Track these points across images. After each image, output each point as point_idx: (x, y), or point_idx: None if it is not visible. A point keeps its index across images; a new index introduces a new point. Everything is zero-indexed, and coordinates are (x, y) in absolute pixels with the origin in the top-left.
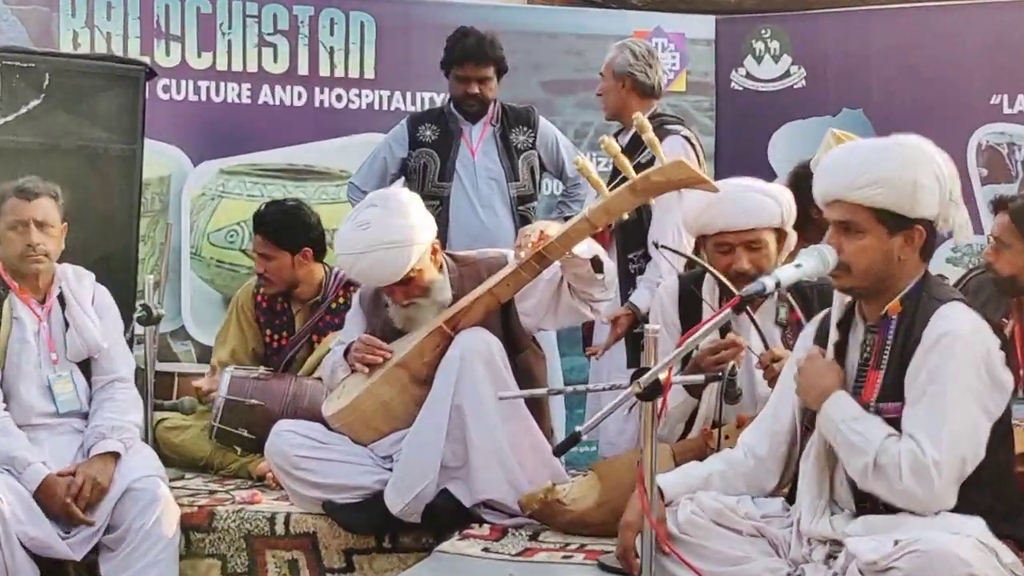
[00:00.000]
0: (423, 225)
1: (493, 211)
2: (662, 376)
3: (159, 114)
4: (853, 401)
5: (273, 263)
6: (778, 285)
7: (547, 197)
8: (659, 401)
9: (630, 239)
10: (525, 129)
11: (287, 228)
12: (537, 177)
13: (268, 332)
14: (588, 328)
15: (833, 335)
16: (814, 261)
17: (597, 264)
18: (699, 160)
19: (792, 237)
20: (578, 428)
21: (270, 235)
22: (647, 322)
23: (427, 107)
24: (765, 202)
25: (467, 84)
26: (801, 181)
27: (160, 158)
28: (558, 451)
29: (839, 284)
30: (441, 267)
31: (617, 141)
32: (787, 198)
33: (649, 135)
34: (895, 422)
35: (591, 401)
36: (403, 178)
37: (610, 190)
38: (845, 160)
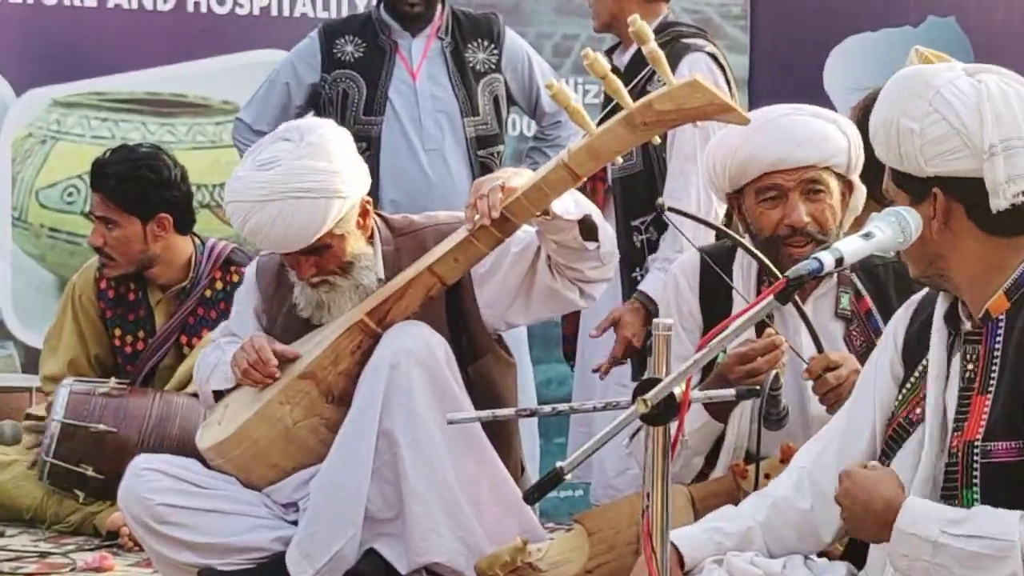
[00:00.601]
0: (353, 174)
1: (442, 157)
2: (677, 391)
3: None
4: (932, 503)
5: (117, 233)
6: (840, 262)
7: (516, 139)
8: (673, 425)
9: (635, 199)
10: (486, 44)
11: (136, 184)
12: (503, 111)
13: (118, 332)
14: (571, 324)
15: (937, 348)
16: (891, 230)
17: (588, 228)
18: (729, 88)
19: (860, 194)
20: (560, 464)
21: (112, 194)
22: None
23: (347, 12)
24: (828, 131)
25: None
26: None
27: None
28: (531, 496)
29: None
30: (372, 237)
31: (612, 61)
32: (855, 133)
33: (651, 47)
34: (1009, 468)
35: (577, 426)
36: (312, 112)
37: (599, 125)
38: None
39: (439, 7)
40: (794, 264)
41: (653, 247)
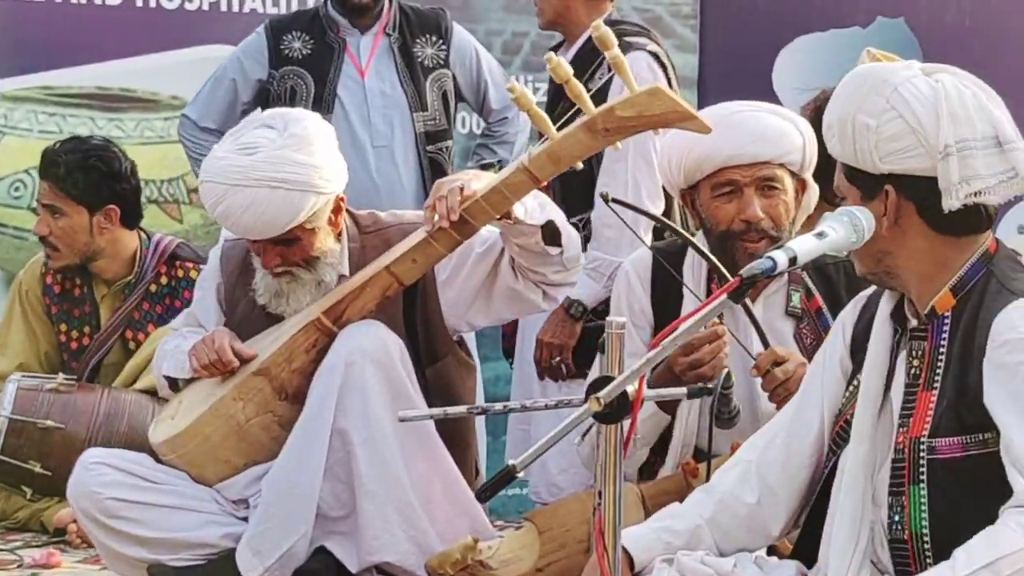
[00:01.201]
0: (332, 170)
1: (390, 154)
2: (630, 389)
3: None
4: None
5: (63, 223)
6: (793, 262)
7: (464, 136)
8: (626, 423)
9: (574, 196)
10: (434, 40)
11: (85, 174)
12: (451, 107)
13: (63, 328)
14: (511, 321)
15: (879, 340)
16: (844, 229)
17: (552, 233)
18: (670, 87)
19: (813, 192)
20: (511, 461)
21: (62, 182)
22: (595, 315)
23: (296, 8)
24: (784, 128)
25: None
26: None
27: None
28: (484, 494)
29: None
30: (340, 235)
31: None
32: (810, 132)
33: (614, 53)
34: (955, 464)
35: (517, 424)
36: (259, 109)
37: (558, 129)
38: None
39: (386, 2)
40: (748, 259)
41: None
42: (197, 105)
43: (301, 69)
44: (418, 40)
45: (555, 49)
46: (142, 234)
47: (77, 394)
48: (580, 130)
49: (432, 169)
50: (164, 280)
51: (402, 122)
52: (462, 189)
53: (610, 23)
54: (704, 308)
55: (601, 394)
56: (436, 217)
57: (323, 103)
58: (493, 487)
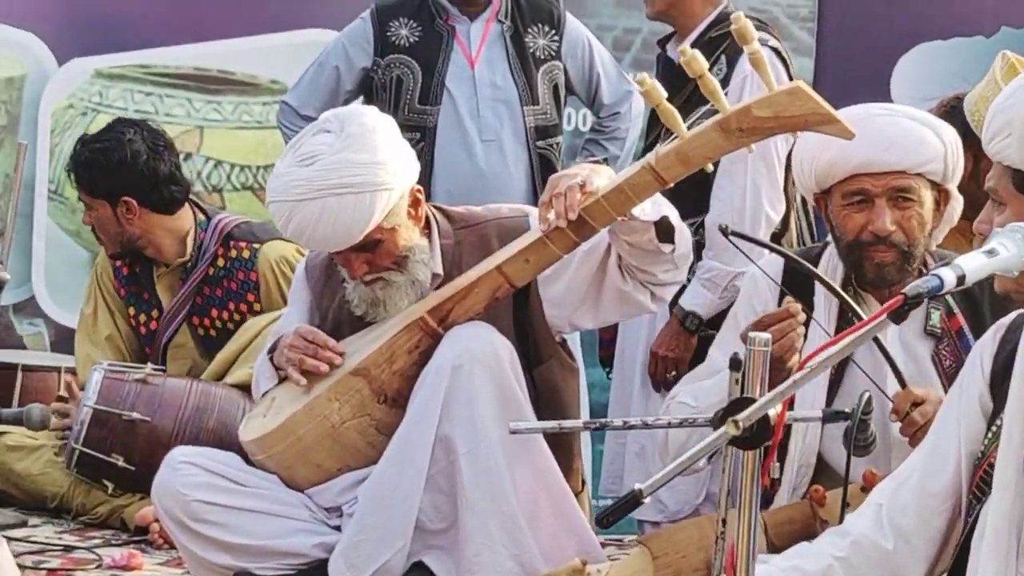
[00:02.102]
0: (399, 162)
1: (499, 149)
2: (772, 412)
3: None
4: None
5: (93, 215)
6: (962, 280)
7: (569, 134)
8: (766, 449)
9: (685, 198)
10: (546, 30)
11: (88, 169)
12: (562, 100)
13: (132, 311)
14: (609, 328)
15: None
16: (1015, 247)
17: (665, 230)
18: None
19: (956, 204)
20: (638, 485)
21: (76, 180)
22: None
23: None
24: (923, 134)
25: None
26: (955, 123)
27: (10, 50)
28: (605, 519)
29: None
30: (426, 227)
31: (665, 52)
32: (954, 139)
33: (754, 47)
34: None
35: (613, 437)
36: (362, 98)
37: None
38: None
39: None
40: (876, 270)
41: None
42: (298, 92)
43: (408, 58)
44: (530, 30)
45: (664, 42)
46: (200, 215)
47: (165, 386)
48: (712, 129)
49: (542, 165)
50: (220, 263)
51: (512, 116)
52: (582, 186)
53: (726, 15)
54: (863, 328)
55: (740, 417)
56: (552, 215)
57: (431, 94)
58: (615, 513)
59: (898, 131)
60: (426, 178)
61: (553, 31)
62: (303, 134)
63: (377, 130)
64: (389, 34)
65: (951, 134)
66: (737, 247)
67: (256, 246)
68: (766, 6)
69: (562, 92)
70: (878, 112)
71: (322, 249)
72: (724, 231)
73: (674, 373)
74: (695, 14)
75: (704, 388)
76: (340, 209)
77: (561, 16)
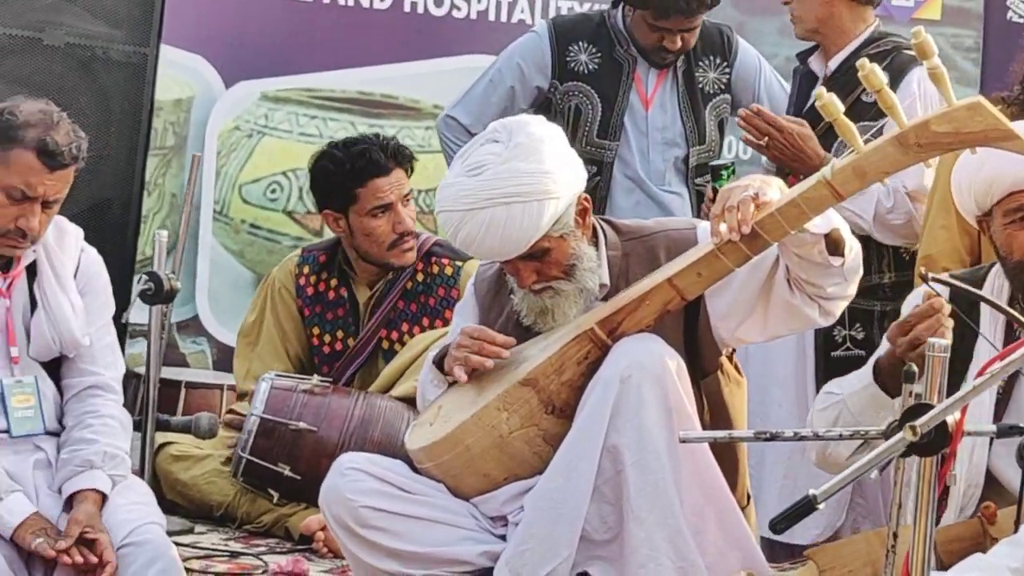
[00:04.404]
0: (566, 171)
1: (668, 190)
2: (951, 420)
3: (184, 11)
4: None
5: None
6: None
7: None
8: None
9: None
10: (718, 63)
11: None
12: (724, 133)
13: (316, 331)
14: None
15: None
16: None
17: (834, 242)
18: None
19: None
20: (812, 491)
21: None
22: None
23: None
24: None
25: (666, 36)
26: None
27: (179, 73)
28: (779, 525)
29: None
30: (594, 237)
31: (808, 66)
32: None
33: (934, 63)
34: None
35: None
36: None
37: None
38: None
39: None
40: None
41: None
42: (467, 108)
43: (587, 87)
44: (701, 63)
45: (805, 57)
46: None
47: (331, 397)
48: (890, 144)
49: (698, 200)
50: (420, 277)
51: (677, 157)
52: (755, 197)
53: (883, 34)
54: None
55: (918, 423)
56: (725, 228)
57: (610, 129)
58: (789, 519)
59: None
60: (599, 212)
61: (724, 63)
62: (471, 144)
63: (544, 139)
64: (568, 58)
65: None
66: (937, 292)
67: (459, 263)
68: (931, 36)
69: (726, 125)
70: None
71: (491, 258)
72: (924, 277)
73: None
74: (846, 31)
75: (849, 378)
76: (508, 218)
77: (734, 45)
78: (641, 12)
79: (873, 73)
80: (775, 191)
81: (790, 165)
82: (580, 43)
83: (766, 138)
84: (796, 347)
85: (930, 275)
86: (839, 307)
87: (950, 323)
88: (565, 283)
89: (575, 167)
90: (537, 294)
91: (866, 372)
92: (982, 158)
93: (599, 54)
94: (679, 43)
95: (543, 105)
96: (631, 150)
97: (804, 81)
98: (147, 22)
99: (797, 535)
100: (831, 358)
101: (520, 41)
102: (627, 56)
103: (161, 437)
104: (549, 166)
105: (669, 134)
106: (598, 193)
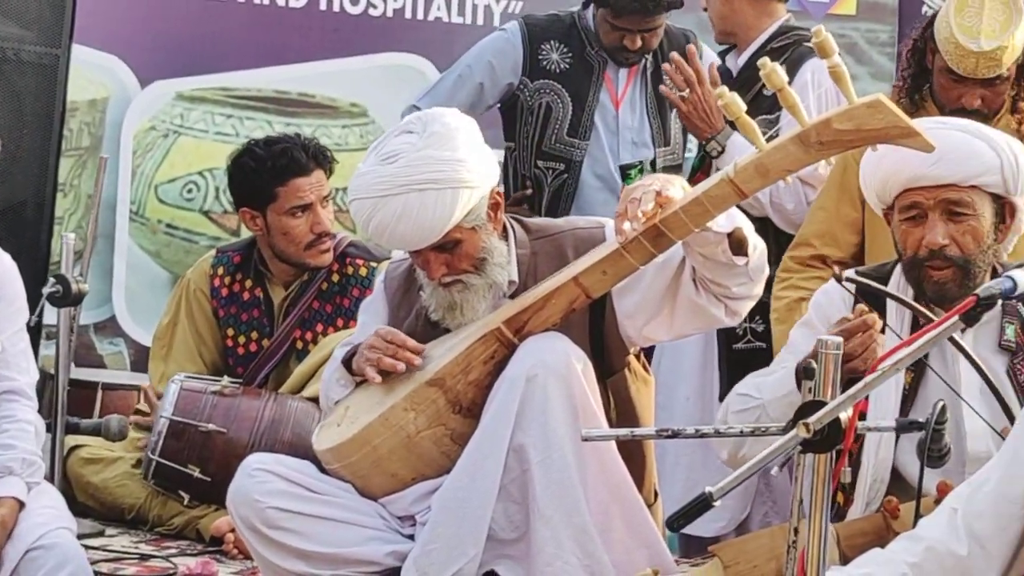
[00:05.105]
0: (481, 162)
1: None
2: (843, 416)
3: (98, 11)
4: None
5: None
6: None
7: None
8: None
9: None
10: None
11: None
12: (687, 136)
13: (230, 332)
14: None
15: None
16: None
17: (738, 242)
18: None
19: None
20: (709, 488)
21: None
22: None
23: (482, 19)
24: (975, 148)
25: (626, 35)
26: None
27: (94, 73)
28: (676, 522)
29: None
30: (505, 233)
31: (724, 63)
32: (1017, 150)
33: (834, 61)
34: None
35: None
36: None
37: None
38: None
39: None
40: (935, 288)
41: None
42: (435, 100)
43: (558, 85)
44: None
45: (723, 56)
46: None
47: (241, 398)
48: (791, 142)
49: None
50: (335, 278)
51: (646, 159)
52: (658, 194)
53: (788, 28)
54: (935, 329)
55: (811, 420)
56: (628, 226)
57: (580, 129)
58: (686, 516)
59: (947, 144)
60: (566, 210)
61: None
62: (386, 136)
63: (460, 129)
64: (540, 57)
65: (1013, 146)
66: (849, 291)
67: (374, 264)
68: (845, 31)
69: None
70: (929, 125)
71: (402, 247)
72: (837, 277)
73: None
74: (751, 27)
75: (768, 383)
76: (421, 206)
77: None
78: (603, 11)
79: (775, 72)
80: (678, 189)
81: (695, 125)
82: (552, 42)
83: (687, 90)
84: (701, 341)
85: (844, 274)
86: (746, 306)
87: (883, 339)
88: (475, 277)
89: (489, 160)
90: (446, 288)
91: (788, 379)
92: (882, 154)
93: (570, 54)
94: (639, 43)
95: (510, 103)
96: (603, 148)
97: (724, 80)
98: (58, 23)
99: (699, 528)
100: (733, 350)
101: (491, 38)
102: (598, 57)
103: (72, 440)
104: (463, 155)
105: (637, 134)
106: (565, 191)
